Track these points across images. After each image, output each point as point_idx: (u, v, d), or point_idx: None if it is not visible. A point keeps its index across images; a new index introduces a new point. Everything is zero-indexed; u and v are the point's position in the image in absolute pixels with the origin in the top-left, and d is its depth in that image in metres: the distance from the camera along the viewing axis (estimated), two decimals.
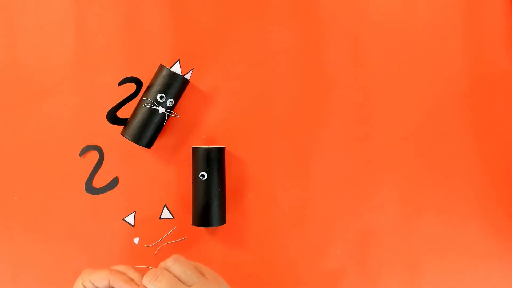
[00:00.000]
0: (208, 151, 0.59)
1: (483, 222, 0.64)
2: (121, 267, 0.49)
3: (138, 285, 0.46)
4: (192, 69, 0.64)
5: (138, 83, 0.63)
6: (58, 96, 0.63)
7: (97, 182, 0.63)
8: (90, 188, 0.62)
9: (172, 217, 0.63)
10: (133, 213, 0.63)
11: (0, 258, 0.62)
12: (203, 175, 0.58)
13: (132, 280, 0.47)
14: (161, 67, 0.59)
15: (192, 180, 0.60)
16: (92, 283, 0.47)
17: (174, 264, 0.46)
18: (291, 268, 0.63)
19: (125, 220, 0.62)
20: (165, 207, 0.63)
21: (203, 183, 0.59)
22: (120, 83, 0.63)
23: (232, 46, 0.64)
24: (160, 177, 0.63)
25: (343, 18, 0.65)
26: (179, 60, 0.63)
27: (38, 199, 0.62)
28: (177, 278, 0.45)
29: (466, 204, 0.64)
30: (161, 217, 0.63)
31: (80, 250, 0.62)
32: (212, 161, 0.59)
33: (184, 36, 0.64)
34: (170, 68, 0.63)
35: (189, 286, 0.44)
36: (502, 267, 0.64)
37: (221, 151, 0.60)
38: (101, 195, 0.63)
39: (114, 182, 0.63)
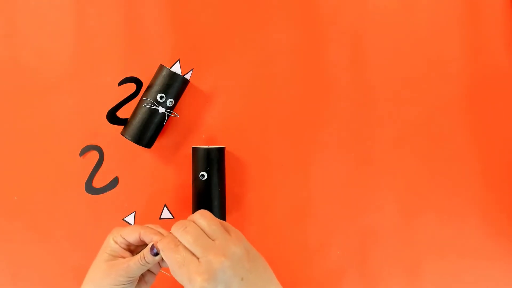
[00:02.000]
0: (208, 151, 0.59)
1: (483, 222, 0.64)
2: (150, 225, 0.51)
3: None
4: (192, 69, 0.64)
5: (138, 83, 0.63)
6: (58, 96, 0.63)
7: (97, 182, 0.63)
8: (90, 188, 0.62)
9: (172, 217, 0.63)
10: (133, 213, 0.63)
11: (0, 258, 0.62)
12: (203, 175, 0.58)
13: (161, 234, 0.49)
14: (161, 67, 0.59)
15: (192, 180, 0.60)
16: (123, 238, 0.49)
17: (200, 218, 0.47)
18: (291, 268, 0.63)
19: (125, 220, 0.62)
20: (165, 207, 0.63)
21: (203, 183, 0.59)
22: (120, 83, 0.63)
23: (232, 46, 0.64)
24: (160, 177, 0.63)
25: (343, 18, 0.65)
26: (179, 60, 0.63)
27: (38, 199, 0.62)
28: (202, 230, 0.46)
29: (466, 205, 0.64)
30: (161, 217, 0.63)
31: (80, 250, 0.62)
32: (212, 161, 0.59)
33: (184, 36, 0.64)
34: (170, 68, 0.63)
35: (213, 240, 0.46)
36: (502, 267, 0.64)
37: (221, 151, 0.60)
38: (101, 195, 0.63)
39: (114, 182, 0.63)
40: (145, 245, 0.50)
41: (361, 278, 0.63)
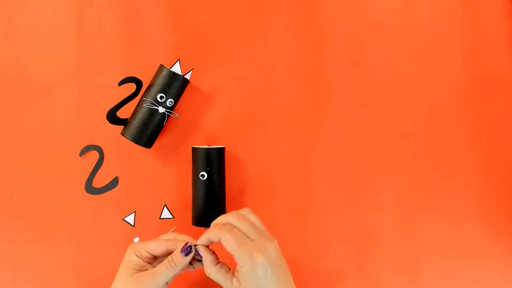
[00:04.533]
0: (208, 151, 0.59)
1: (483, 222, 0.64)
2: (168, 235, 0.54)
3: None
4: (192, 69, 0.64)
5: (138, 83, 0.63)
6: (58, 96, 0.63)
7: (97, 182, 0.63)
8: (90, 188, 0.62)
9: (172, 217, 0.63)
10: (133, 213, 0.63)
11: (0, 258, 0.62)
12: (203, 175, 0.58)
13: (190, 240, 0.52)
14: (161, 67, 0.59)
15: (192, 180, 0.60)
16: (148, 252, 0.52)
17: (249, 213, 0.52)
18: (291, 268, 0.63)
19: (125, 220, 0.62)
20: (165, 207, 0.63)
21: (203, 183, 0.59)
22: (120, 83, 0.63)
23: (232, 46, 0.64)
24: (160, 177, 0.63)
25: (343, 18, 0.65)
26: (179, 60, 0.63)
27: (38, 199, 0.62)
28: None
29: (466, 204, 0.64)
30: (161, 217, 0.63)
31: (80, 250, 0.62)
32: (212, 161, 0.59)
33: (184, 36, 0.64)
34: (170, 68, 0.63)
35: (261, 230, 0.51)
36: (502, 267, 0.64)
37: (221, 151, 0.60)
38: (101, 195, 0.63)
39: (114, 182, 0.63)
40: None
41: (361, 278, 0.63)
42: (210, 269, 0.50)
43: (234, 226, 0.49)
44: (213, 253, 0.52)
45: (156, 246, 0.51)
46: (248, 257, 0.47)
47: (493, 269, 0.64)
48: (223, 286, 0.50)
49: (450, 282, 0.63)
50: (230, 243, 0.48)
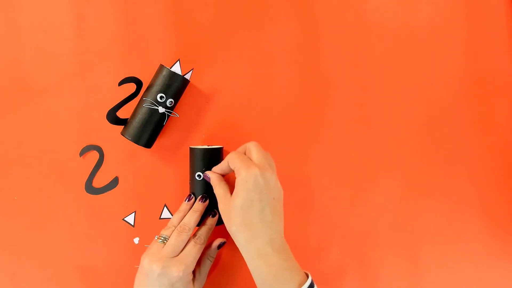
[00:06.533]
0: (204, 151, 0.59)
1: (483, 221, 0.64)
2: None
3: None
4: (192, 69, 0.64)
5: (138, 83, 0.63)
6: (58, 96, 0.63)
7: (97, 182, 0.63)
8: (90, 188, 0.62)
9: (172, 217, 0.63)
10: (133, 213, 0.63)
11: (0, 258, 0.62)
12: (199, 175, 0.58)
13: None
14: (161, 67, 0.59)
15: (190, 181, 0.60)
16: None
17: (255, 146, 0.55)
18: None
19: (125, 220, 0.63)
20: (165, 207, 0.63)
21: (200, 184, 0.58)
22: (120, 83, 0.63)
23: (232, 46, 0.64)
24: (160, 177, 0.63)
25: (343, 18, 0.65)
26: (179, 60, 0.63)
27: (38, 199, 0.63)
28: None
29: (466, 203, 0.64)
30: (161, 217, 0.63)
31: (80, 250, 0.62)
32: (208, 161, 0.58)
33: (184, 36, 0.64)
34: (170, 68, 0.63)
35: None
36: (503, 265, 0.64)
37: (218, 151, 0.60)
38: (101, 195, 0.63)
39: (114, 182, 0.63)
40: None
41: (360, 277, 0.63)
42: (216, 184, 0.55)
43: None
44: (219, 176, 0.56)
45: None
46: (245, 166, 0.50)
47: (493, 268, 0.64)
48: (221, 199, 0.53)
49: (451, 281, 0.63)
50: (233, 158, 0.52)
